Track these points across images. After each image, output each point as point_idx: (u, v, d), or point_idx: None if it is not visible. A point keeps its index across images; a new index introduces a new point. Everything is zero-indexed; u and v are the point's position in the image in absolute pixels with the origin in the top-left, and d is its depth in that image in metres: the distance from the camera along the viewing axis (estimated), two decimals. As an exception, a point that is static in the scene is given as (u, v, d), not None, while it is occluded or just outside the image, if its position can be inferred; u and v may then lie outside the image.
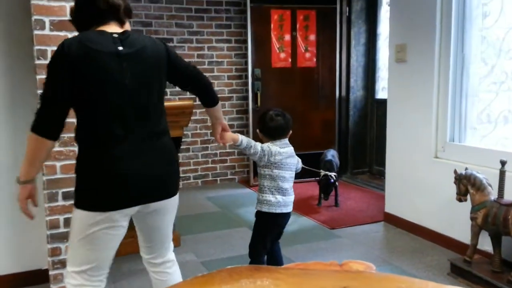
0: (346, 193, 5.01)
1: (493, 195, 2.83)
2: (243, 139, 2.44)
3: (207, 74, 6.00)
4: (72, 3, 2.48)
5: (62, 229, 2.66)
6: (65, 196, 2.64)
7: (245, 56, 5.55)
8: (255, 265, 1.17)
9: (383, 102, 4.84)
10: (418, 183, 3.70)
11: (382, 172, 4.92)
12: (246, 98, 5.62)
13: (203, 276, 1.13)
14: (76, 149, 2.61)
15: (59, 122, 1.68)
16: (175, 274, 2.08)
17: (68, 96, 1.66)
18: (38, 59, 2.52)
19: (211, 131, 5.53)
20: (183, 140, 4.44)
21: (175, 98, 5.12)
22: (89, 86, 1.67)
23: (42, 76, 2.53)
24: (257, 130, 2.70)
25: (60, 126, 1.69)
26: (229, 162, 5.72)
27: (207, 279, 1.12)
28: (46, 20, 2.50)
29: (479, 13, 3.34)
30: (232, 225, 4.10)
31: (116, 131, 1.71)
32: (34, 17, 2.49)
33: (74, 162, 2.59)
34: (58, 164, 2.60)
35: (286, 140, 2.63)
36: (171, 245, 2.08)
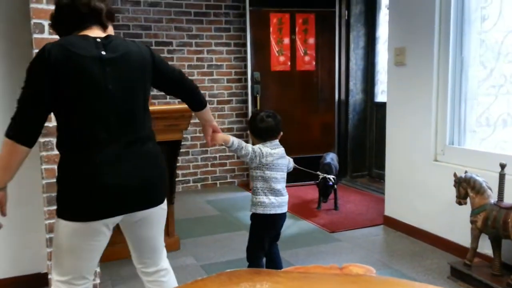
0: (345, 197, 5.01)
1: (493, 198, 2.82)
2: (234, 140, 2.44)
3: (206, 78, 6.02)
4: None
5: (61, 233, 2.65)
6: (64, 200, 2.63)
7: (244, 59, 5.55)
8: (255, 269, 1.17)
9: (382, 105, 4.85)
10: (417, 186, 3.70)
11: (382, 175, 4.92)
12: (245, 101, 5.62)
13: (203, 280, 1.13)
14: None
15: (36, 128, 1.63)
16: (170, 283, 2.02)
17: (47, 102, 1.61)
18: (38, 62, 2.51)
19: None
20: (182, 143, 4.44)
21: (174, 101, 5.12)
22: (71, 92, 1.63)
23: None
24: (249, 133, 2.69)
25: (37, 133, 1.64)
26: (228, 166, 5.72)
27: (206, 282, 1.11)
28: (45, 23, 2.50)
29: (477, 16, 3.35)
30: (231, 228, 4.09)
31: (98, 137, 1.67)
32: (33, 21, 2.49)
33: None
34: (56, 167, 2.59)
35: (277, 141, 2.64)
36: (164, 253, 2.03)
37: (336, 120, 5.77)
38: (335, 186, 4.48)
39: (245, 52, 5.47)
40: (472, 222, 2.88)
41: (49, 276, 2.68)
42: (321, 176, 4.36)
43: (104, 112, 1.68)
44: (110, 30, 1.81)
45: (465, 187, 2.91)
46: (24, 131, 1.60)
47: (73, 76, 1.62)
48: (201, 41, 5.44)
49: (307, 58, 5.62)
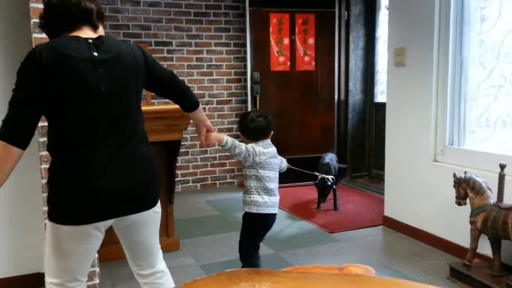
0: (345, 197, 5.00)
1: (493, 199, 2.82)
2: (228, 140, 2.44)
3: (206, 78, 6.01)
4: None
5: (60, 233, 2.65)
6: (64, 200, 2.63)
7: (244, 59, 5.55)
8: (254, 269, 1.16)
9: (382, 105, 4.85)
10: (417, 187, 3.70)
11: (381, 175, 4.92)
12: (245, 101, 5.61)
13: (202, 279, 1.12)
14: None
15: (28, 130, 1.60)
16: (166, 284, 2.00)
17: (39, 104, 1.59)
18: (37, 62, 2.51)
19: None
20: (182, 143, 4.43)
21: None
22: (63, 93, 1.61)
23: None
24: (239, 133, 2.71)
25: (29, 135, 1.61)
26: (228, 166, 5.71)
27: (206, 282, 1.11)
28: (45, 23, 2.50)
29: (477, 16, 3.35)
30: (231, 228, 4.09)
31: (90, 139, 1.65)
32: (33, 20, 2.49)
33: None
34: (56, 168, 2.59)
35: (268, 141, 2.65)
36: (160, 255, 2.01)
37: (335, 120, 5.77)
38: (334, 186, 4.48)
39: (245, 52, 5.47)
40: (471, 222, 2.88)
41: (48, 276, 2.69)
42: (319, 177, 4.36)
43: (96, 114, 1.66)
44: (101, 31, 1.79)
45: (465, 188, 2.91)
46: (16, 132, 1.58)
47: (64, 78, 1.60)
48: (201, 41, 5.44)
49: (306, 59, 5.62)
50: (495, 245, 2.81)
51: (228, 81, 5.60)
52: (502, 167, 2.77)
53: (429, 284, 2.81)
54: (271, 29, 5.46)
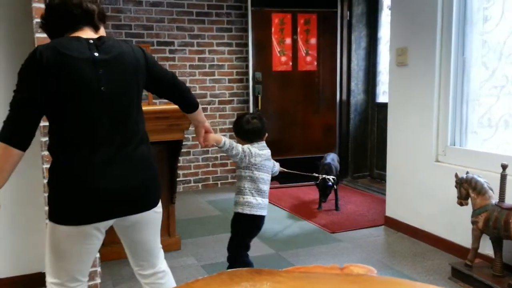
0: (346, 197, 5.00)
1: (494, 199, 2.82)
2: (225, 141, 2.46)
3: (208, 78, 6.01)
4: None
5: (62, 232, 2.65)
6: (66, 199, 2.63)
7: (246, 59, 5.55)
8: (256, 268, 1.16)
9: (384, 106, 4.85)
10: (419, 187, 3.70)
11: (383, 176, 4.91)
12: (247, 101, 5.61)
13: (204, 279, 1.13)
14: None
15: (29, 131, 1.59)
16: (168, 284, 2.00)
17: (40, 105, 1.59)
18: (39, 62, 2.51)
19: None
20: (183, 143, 4.43)
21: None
22: (63, 94, 1.61)
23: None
24: (234, 135, 2.72)
25: (30, 136, 1.60)
26: (229, 166, 5.71)
27: (208, 281, 1.11)
28: (48, 23, 2.50)
29: (480, 17, 3.35)
30: (232, 228, 4.08)
31: (90, 139, 1.65)
32: (35, 20, 2.49)
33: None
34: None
35: (264, 143, 2.67)
36: (161, 255, 2.00)
37: (337, 120, 5.77)
38: (336, 186, 4.48)
39: (247, 52, 5.47)
40: (473, 222, 2.87)
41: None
42: (321, 177, 4.36)
43: (97, 114, 1.66)
44: (102, 32, 1.79)
45: (467, 188, 2.91)
46: (17, 134, 1.57)
47: (65, 78, 1.60)
48: (203, 41, 5.44)
49: (308, 59, 5.62)
50: (497, 245, 2.80)
51: (230, 81, 5.60)
52: (504, 167, 2.77)
53: (430, 284, 2.81)
54: (273, 29, 5.46)
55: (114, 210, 1.72)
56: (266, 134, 2.70)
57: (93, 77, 1.63)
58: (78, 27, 1.71)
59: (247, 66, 5.52)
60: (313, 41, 5.60)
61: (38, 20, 2.47)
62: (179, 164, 4.72)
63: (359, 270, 1.31)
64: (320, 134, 5.76)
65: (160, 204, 1.89)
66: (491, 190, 2.84)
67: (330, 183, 4.34)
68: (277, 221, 4.26)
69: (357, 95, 5.73)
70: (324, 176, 4.33)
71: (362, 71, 5.72)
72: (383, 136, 4.37)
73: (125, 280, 3.04)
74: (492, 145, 3.32)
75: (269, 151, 2.67)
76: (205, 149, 5.55)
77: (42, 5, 2.48)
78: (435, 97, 3.52)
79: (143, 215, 1.80)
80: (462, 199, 2.96)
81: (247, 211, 2.61)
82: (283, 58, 5.53)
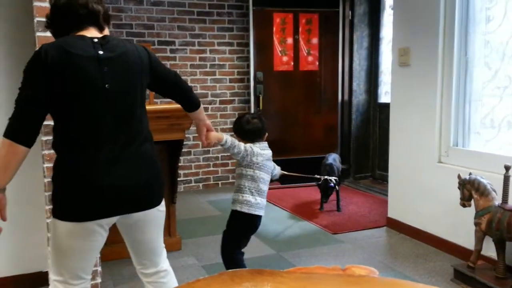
0: (348, 198, 4.99)
1: (497, 200, 2.80)
2: (227, 139, 2.46)
3: (209, 77, 6.00)
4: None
5: (62, 232, 2.65)
6: (66, 199, 2.62)
7: (247, 59, 5.54)
8: (257, 269, 1.15)
9: (386, 106, 4.83)
10: (421, 188, 3.68)
11: (385, 177, 4.90)
12: (248, 101, 5.60)
13: (205, 279, 1.12)
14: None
15: (34, 128, 1.61)
16: (170, 284, 2.00)
17: (45, 102, 1.61)
18: (40, 60, 2.50)
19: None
20: (184, 143, 4.42)
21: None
22: (68, 91, 1.63)
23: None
24: (234, 135, 2.72)
25: (35, 133, 1.62)
26: (230, 166, 5.70)
27: (208, 282, 1.10)
28: (49, 21, 2.49)
29: (482, 17, 3.33)
30: (233, 229, 4.07)
31: (94, 137, 1.67)
32: (36, 19, 2.48)
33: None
34: (59, 166, 2.58)
35: (265, 144, 2.67)
36: (164, 254, 2.01)
37: (339, 120, 5.76)
38: (337, 187, 4.46)
39: (248, 52, 5.46)
40: (476, 224, 2.86)
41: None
42: (322, 177, 4.36)
43: (101, 113, 1.67)
44: (106, 32, 1.80)
45: (469, 189, 2.89)
46: (22, 130, 1.59)
47: (70, 76, 1.62)
48: (204, 40, 5.43)
49: (310, 58, 5.60)
50: (500, 247, 2.79)
51: (231, 80, 5.59)
52: (507, 168, 2.76)
53: (432, 286, 2.79)
54: (274, 28, 5.45)
55: (118, 207, 1.73)
56: (266, 134, 2.71)
57: (98, 74, 1.65)
58: (83, 27, 1.72)
59: (248, 66, 5.51)
60: (314, 41, 5.58)
61: (40, 19, 2.47)
62: (179, 164, 4.71)
63: (361, 271, 1.29)
64: (322, 135, 5.75)
65: (163, 203, 1.90)
66: (494, 191, 2.82)
67: (332, 184, 4.33)
68: (279, 221, 4.24)
69: (359, 95, 5.72)
70: (326, 177, 4.33)
71: (364, 71, 5.70)
72: (385, 136, 4.36)
73: (126, 280, 3.03)
74: (495, 146, 3.30)
75: (271, 152, 2.68)
76: (206, 149, 5.55)
77: (44, 4, 2.48)
78: (438, 98, 3.51)
79: (146, 213, 1.81)
80: (465, 200, 2.94)
81: (245, 209, 2.60)
82: (285, 58, 5.52)
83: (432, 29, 3.50)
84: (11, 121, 1.60)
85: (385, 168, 4.49)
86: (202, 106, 2.12)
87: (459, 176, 2.97)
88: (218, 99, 5.49)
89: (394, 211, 4.01)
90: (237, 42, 5.56)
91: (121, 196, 1.71)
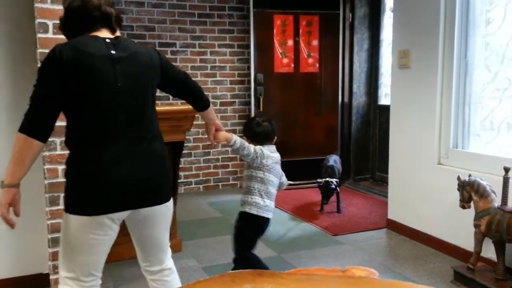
0: (348, 200, 4.99)
1: (497, 202, 2.81)
2: (236, 139, 2.47)
3: (209, 79, 6.00)
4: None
5: (63, 233, 2.65)
6: (67, 200, 2.63)
7: (247, 61, 5.55)
8: (258, 270, 1.16)
9: (386, 108, 4.84)
10: (421, 189, 3.69)
11: (385, 178, 4.90)
12: (248, 103, 5.61)
13: (206, 280, 1.12)
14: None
15: (49, 123, 1.67)
16: (174, 282, 2.04)
17: (60, 99, 1.66)
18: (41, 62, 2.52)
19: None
20: (185, 145, 4.43)
21: (177, 102, 5.12)
22: (82, 89, 1.68)
23: (45, 80, 2.53)
24: (244, 137, 2.74)
25: (50, 128, 1.67)
26: (231, 168, 5.71)
27: (209, 283, 1.11)
28: (50, 23, 2.51)
29: (482, 19, 3.34)
30: (233, 230, 4.08)
31: (106, 134, 1.72)
32: (38, 20, 2.49)
33: (76, 165, 2.61)
34: (60, 168, 2.60)
35: (274, 147, 2.70)
36: (168, 252, 2.05)
37: (339, 122, 5.76)
38: (338, 189, 4.47)
39: (249, 53, 5.47)
40: (475, 226, 2.86)
41: (51, 277, 2.68)
42: (323, 179, 4.37)
43: (113, 110, 1.72)
44: (118, 34, 1.86)
45: (469, 191, 2.90)
46: (36, 126, 1.64)
47: (83, 75, 1.67)
48: (205, 42, 5.44)
49: (310, 60, 5.61)
50: (499, 248, 2.79)
51: (231, 82, 5.59)
52: (507, 170, 2.76)
53: (432, 287, 2.79)
54: (275, 30, 5.46)
55: (128, 202, 1.77)
56: (276, 137, 2.73)
57: (110, 73, 1.70)
58: (96, 28, 1.78)
59: (248, 68, 5.52)
60: (315, 43, 5.59)
61: (41, 20, 2.48)
62: (180, 166, 4.72)
63: (361, 272, 1.30)
64: (322, 136, 5.75)
65: (171, 200, 1.94)
66: (494, 193, 2.83)
67: (333, 186, 4.35)
68: (279, 223, 4.25)
69: (359, 97, 5.72)
70: (327, 178, 4.35)
71: (364, 73, 5.71)
72: (385, 138, 4.36)
73: (126, 282, 3.04)
74: (494, 148, 3.31)
75: (279, 155, 2.70)
76: (206, 150, 5.55)
77: (45, 6, 2.49)
78: (438, 100, 3.51)
79: (155, 209, 1.85)
80: (464, 202, 2.95)
81: (254, 211, 2.62)
82: (285, 60, 5.53)
83: (432, 31, 3.51)
84: (26, 116, 1.65)
85: (385, 170, 4.49)
86: (211, 106, 2.17)
87: (458, 178, 2.98)
88: (218, 101, 5.49)
89: (394, 213, 4.01)
90: (238, 44, 5.57)
91: (131, 191, 1.76)
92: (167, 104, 5.04)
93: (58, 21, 2.49)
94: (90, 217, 1.71)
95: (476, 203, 2.86)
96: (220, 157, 5.64)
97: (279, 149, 2.75)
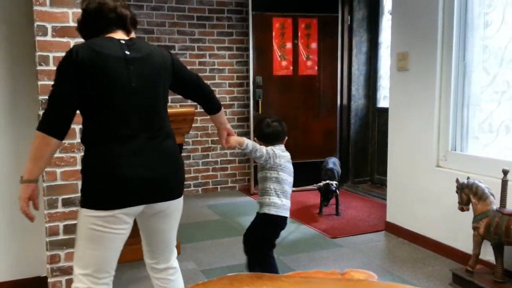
0: (347, 202, 4.99)
1: (495, 205, 2.81)
2: (248, 143, 2.51)
3: (208, 82, 6.03)
4: (75, 10, 2.50)
5: (61, 236, 2.65)
6: (65, 203, 2.63)
7: (246, 63, 5.56)
8: (257, 273, 1.16)
9: (385, 111, 4.84)
10: (419, 192, 3.69)
11: (383, 181, 4.91)
12: (247, 105, 5.62)
13: (204, 284, 1.12)
14: (77, 155, 2.63)
15: (66, 122, 1.73)
16: (178, 282, 2.09)
17: (76, 98, 1.72)
18: (40, 65, 2.52)
19: (212, 138, 5.54)
20: (184, 147, 4.43)
21: (176, 105, 5.13)
22: (97, 89, 1.74)
23: (43, 82, 2.53)
24: (255, 138, 2.78)
25: (67, 127, 1.74)
26: (229, 170, 5.71)
27: (207, 286, 1.11)
28: (49, 26, 2.51)
29: (480, 22, 3.35)
30: (232, 233, 4.08)
31: (121, 132, 1.77)
32: (37, 23, 2.49)
33: (74, 168, 2.62)
34: (58, 171, 2.59)
35: (283, 146, 2.73)
36: (175, 252, 2.10)
37: (338, 125, 5.76)
38: (337, 191, 4.48)
39: (247, 56, 5.48)
40: (474, 228, 2.86)
41: (49, 280, 2.68)
42: (323, 182, 4.38)
43: (127, 109, 1.78)
44: (133, 35, 1.93)
45: (468, 193, 2.90)
46: (54, 124, 1.71)
47: (99, 75, 1.73)
48: (204, 45, 5.45)
49: (309, 63, 5.62)
50: (498, 251, 2.79)
51: (230, 85, 5.60)
52: (505, 172, 2.76)
53: (431, 290, 2.80)
54: (273, 33, 5.46)
55: (143, 197, 1.82)
56: (286, 138, 2.75)
57: (125, 73, 1.76)
58: (111, 30, 1.85)
59: (247, 70, 5.53)
60: (313, 45, 5.60)
61: (40, 23, 2.49)
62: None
63: (360, 275, 1.30)
64: (321, 139, 5.75)
65: (182, 197, 1.99)
66: (492, 195, 2.83)
67: (334, 188, 4.36)
68: (277, 225, 4.24)
69: (358, 100, 5.73)
70: (327, 181, 4.36)
71: (363, 76, 5.72)
72: (384, 141, 4.36)
73: (124, 285, 3.03)
74: (493, 151, 3.31)
75: (289, 154, 2.73)
76: (205, 153, 5.56)
77: (44, 9, 2.49)
78: (436, 102, 3.52)
79: (168, 204, 1.91)
80: (463, 205, 2.95)
81: (273, 211, 2.64)
82: (284, 63, 5.54)
83: (430, 34, 3.52)
84: (43, 115, 1.72)
85: (384, 173, 4.49)
86: (223, 109, 2.21)
87: (457, 181, 2.98)
88: (217, 104, 5.48)
89: (393, 216, 4.01)
90: (237, 47, 5.58)
91: (145, 186, 1.80)
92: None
93: (57, 24, 2.52)
94: (106, 212, 1.76)
95: (475, 205, 2.87)
96: (219, 159, 5.64)
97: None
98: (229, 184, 5.72)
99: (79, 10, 2.49)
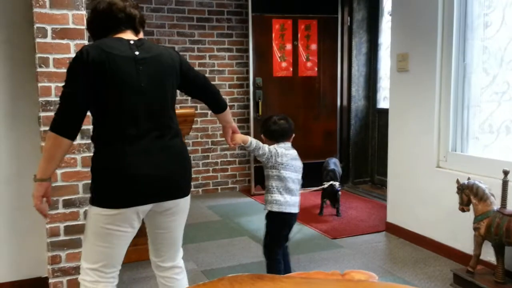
0: (347, 203, 4.99)
1: (496, 205, 2.81)
2: (252, 141, 2.55)
3: (208, 83, 5.93)
4: (75, 12, 2.51)
5: (62, 237, 2.65)
6: (66, 204, 2.63)
7: (246, 65, 5.56)
8: (258, 274, 1.16)
9: (385, 111, 4.85)
10: (420, 193, 3.69)
11: (384, 181, 4.91)
12: (247, 106, 5.62)
13: (205, 284, 1.12)
14: (77, 156, 2.63)
15: (77, 123, 1.76)
16: (183, 282, 2.11)
17: (86, 98, 1.75)
18: (40, 67, 2.52)
19: (212, 139, 5.54)
20: (184, 148, 4.42)
21: (177, 106, 5.13)
22: (107, 89, 1.76)
23: (44, 84, 2.53)
24: (262, 135, 2.81)
25: (78, 127, 1.77)
26: (230, 171, 5.71)
27: (208, 287, 1.11)
28: (48, 28, 2.51)
29: (480, 23, 3.35)
30: (233, 234, 4.08)
31: (130, 131, 1.79)
32: (36, 25, 2.50)
33: (75, 169, 2.62)
34: (59, 172, 2.59)
35: (289, 144, 2.76)
36: (181, 251, 2.13)
37: (338, 126, 5.76)
38: (339, 192, 4.49)
39: (247, 57, 5.48)
40: (475, 229, 2.86)
41: (50, 281, 2.68)
42: (327, 184, 4.39)
43: (136, 108, 1.80)
44: (141, 36, 1.96)
45: (468, 194, 2.90)
46: (65, 125, 1.74)
47: (108, 75, 1.75)
48: (204, 46, 5.45)
49: (309, 64, 5.62)
50: (499, 251, 2.79)
51: (230, 86, 5.60)
52: (506, 173, 2.76)
53: (432, 291, 2.79)
54: (273, 34, 5.47)
55: (152, 195, 1.85)
56: (293, 135, 2.79)
57: (134, 73, 1.79)
58: (120, 30, 1.88)
59: (247, 72, 5.53)
60: (313, 46, 5.60)
61: (39, 25, 2.49)
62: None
63: (360, 276, 1.30)
64: (321, 140, 5.76)
65: (190, 196, 2.02)
66: (493, 196, 2.83)
67: (338, 188, 4.38)
68: (278, 226, 4.24)
69: (358, 101, 5.73)
70: (331, 182, 4.37)
71: (363, 77, 5.72)
72: (384, 142, 4.36)
73: (125, 285, 3.03)
74: (493, 151, 3.31)
75: (296, 151, 2.76)
76: (205, 154, 5.56)
77: (43, 10, 2.49)
78: (436, 103, 3.52)
79: (177, 202, 1.94)
80: (463, 205, 2.95)
81: (275, 208, 2.67)
82: (284, 64, 5.54)
83: (430, 35, 3.52)
84: (55, 116, 1.75)
85: (384, 173, 4.49)
86: (228, 108, 2.26)
87: (457, 181, 2.98)
88: (217, 105, 5.48)
89: (393, 216, 4.01)
90: (237, 48, 5.58)
91: (154, 185, 1.83)
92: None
93: (57, 26, 2.53)
94: (115, 210, 1.79)
95: (475, 206, 2.87)
96: (219, 160, 5.64)
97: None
98: (229, 185, 5.72)
99: (79, 12, 2.51)
